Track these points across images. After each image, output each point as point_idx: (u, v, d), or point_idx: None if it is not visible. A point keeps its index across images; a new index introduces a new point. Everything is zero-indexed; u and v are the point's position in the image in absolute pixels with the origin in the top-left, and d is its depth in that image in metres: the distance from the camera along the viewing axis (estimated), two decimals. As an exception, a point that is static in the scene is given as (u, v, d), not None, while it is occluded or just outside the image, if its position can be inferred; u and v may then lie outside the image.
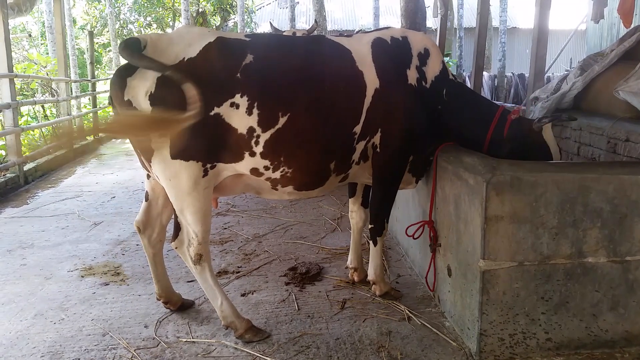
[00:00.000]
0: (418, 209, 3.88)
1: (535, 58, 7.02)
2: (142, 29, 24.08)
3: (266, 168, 2.93)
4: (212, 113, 2.73)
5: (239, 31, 16.85)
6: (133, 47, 2.68)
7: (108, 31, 21.61)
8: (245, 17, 19.48)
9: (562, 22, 21.30)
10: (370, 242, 3.56)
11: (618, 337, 2.91)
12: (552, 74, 14.03)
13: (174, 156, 2.75)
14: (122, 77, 2.71)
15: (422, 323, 3.24)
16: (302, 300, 3.60)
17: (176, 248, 3.08)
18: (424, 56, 3.29)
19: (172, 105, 2.66)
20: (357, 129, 3.06)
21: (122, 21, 23.81)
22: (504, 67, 16.48)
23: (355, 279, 3.82)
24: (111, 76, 2.81)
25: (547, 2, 6.88)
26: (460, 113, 3.39)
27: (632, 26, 6.30)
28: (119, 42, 20.03)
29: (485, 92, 14.09)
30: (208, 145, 2.78)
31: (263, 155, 2.87)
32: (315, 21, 11.05)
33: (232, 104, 2.75)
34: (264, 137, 2.83)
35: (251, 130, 2.80)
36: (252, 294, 3.72)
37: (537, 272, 2.80)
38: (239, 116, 2.77)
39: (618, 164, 3.24)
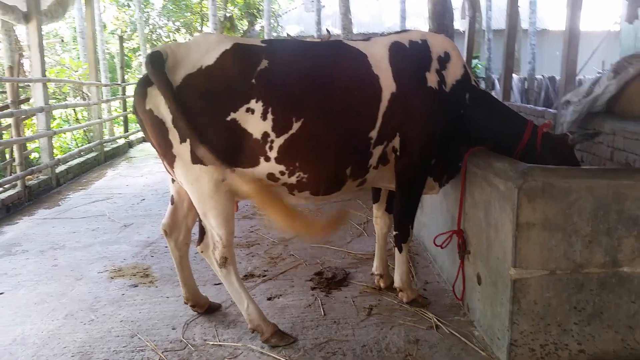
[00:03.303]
0: (446, 214, 3.82)
1: (566, 60, 6.86)
2: (170, 33, 24.43)
3: (282, 173, 2.93)
4: (228, 118, 2.76)
5: (265, 35, 16.96)
6: (156, 62, 2.76)
7: (137, 36, 21.98)
8: (272, 21, 19.61)
9: (594, 23, 20.82)
10: (395, 248, 3.52)
11: (656, 350, 2.81)
12: (584, 76, 13.70)
13: (195, 161, 2.79)
14: (143, 86, 2.79)
15: (451, 332, 3.19)
16: (328, 305, 3.58)
17: (202, 252, 3.11)
18: (444, 60, 3.25)
19: (189, 113, 2.71)
20: (373, 133, 3.04)
21: (151, 26, 24.14)
22: (534, 69, 16.15)
23: (382, 285, 3.78)
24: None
25: (578, 3, 6.73)
26: (487, 121, 3.36)
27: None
28: (148, 46, 20.38)
29: (515, 95, 13.84)
30: (226, 150, 2.80)
31: (278, 161, 2.88)
32: (327, 30, 11.14)
33: (247, 109, 2.78)
34: (278, 142, 2.84)
35: (265, 135, 2.82)
36: (278, 298, 3.72)
37: (570, 281, 2.73)
38: (254, 121, 2.79)
39: (655, 170, 3.13)
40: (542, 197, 2.64)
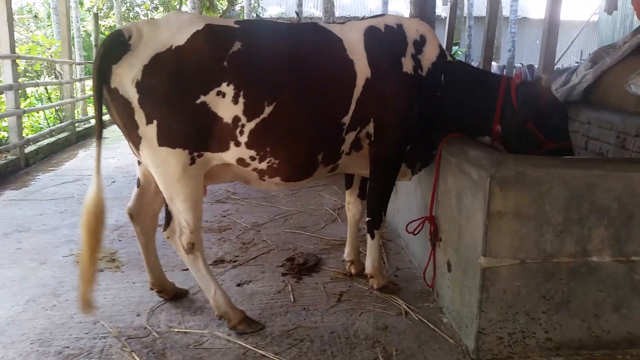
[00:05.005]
0: (420, 201, 3.79)
1: (545, 49, 6.84)
2: (148, 12, 23.90)
3: (252, 158, 2.87)
4: (198, 101, 2.68)
5: (245, 15, 16.68)
6: (109, 47, 2.68)
7: (114, 14, 21.47)
8: (252, 1, 19.28)
9: (574, 13, 20.97)
10: (368, 235, 3.48)
11: (620, 339, 2.83)
12: (562, 65, 13.81)
13: (161, 143, 2.70)
14: (108, 64, 2.66)
15: (419, 318, 3.17)
16: (298, 292, 3.53)
17: (168, 238, 3.03)
18: (420, 43, 3.19)
19: (158, 93, 2.63)
20: (346, 119, 2.98)
21: (128, 4, 23.62)
22: (513, 57, 16.26)
23: (352, 271, 3.75)
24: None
25: (559, -8, 6.70)
26: (462, 95, 3.27)
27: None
28: (124, 24, 19.87)
29: (494, 83, 13.85)
30: (194, 133, 2.73)
31: (248, 146, 2.81)
32: (297, 14, 11.05)
33: (218, 93, 2.70)
34: (249, 126, 2.77)
35: (236, 119, 2.75)
36: (248, 284, 3.65)
37: (540, 271, 2.71)
38: (225, 105, 2.72)
39: (627, 160, 3.13)
40: (515, 186, 2.61)
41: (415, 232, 3.44)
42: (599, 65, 5.57)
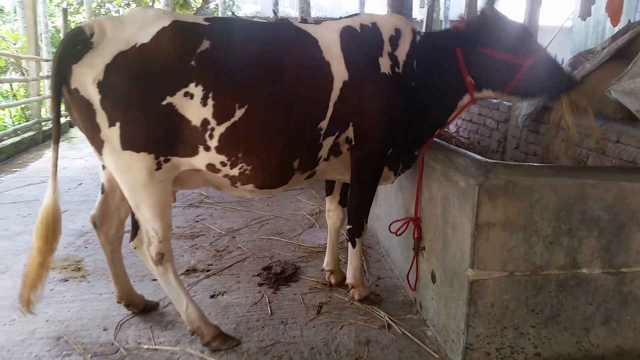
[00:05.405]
0: (401, 208, 3.66)
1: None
2: (120, 8, 23.35)
3: (223, 164, 2.70)
4: (164, 103, 2.50)
5: (220, 14, 16.41)
6: (74, 43, 2.48)
7: (84, 10, 20.89)
8: None
9: (547, 18, 21.28)
10: (349, 243, 3.34)
11: (609, 353, 2.75)
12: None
13: (125, 147, 2.52)
14: (68, 63, 2.46)
15: (403, 332, 3.04)
16: (276, 303, 3.37)
17: (135, 248, 2.83)
18: (396, 38, 3.03)
19: (121, 94, 2.45)
20: (323, 124, 2.83)
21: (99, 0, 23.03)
22: (489, 61, 16.33)
23: (332, 281, 3.60)
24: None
25: (538, -3, 6.70)
26: (431, 73, 3.09)
27: (620, 24, 6.15)
28: (87, 21, 19.33)
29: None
30: (160, 137, 2.55)
31: (218, 150, 2.64)
32: (274, 12, 10.84)
33: (186, 94, 2.52)
34: (219, 130, 2.60)
35: (205, 122, 2.58)
36: (222, 295, 3.47)
37: (529, 283, 2.61)
38: (193, 107, 2.55)
39: (618, 169, 3.06)
40: (504, 196, 2.49)
41: (398, 233, 3.30)
42: (579, 70, 5.53)
